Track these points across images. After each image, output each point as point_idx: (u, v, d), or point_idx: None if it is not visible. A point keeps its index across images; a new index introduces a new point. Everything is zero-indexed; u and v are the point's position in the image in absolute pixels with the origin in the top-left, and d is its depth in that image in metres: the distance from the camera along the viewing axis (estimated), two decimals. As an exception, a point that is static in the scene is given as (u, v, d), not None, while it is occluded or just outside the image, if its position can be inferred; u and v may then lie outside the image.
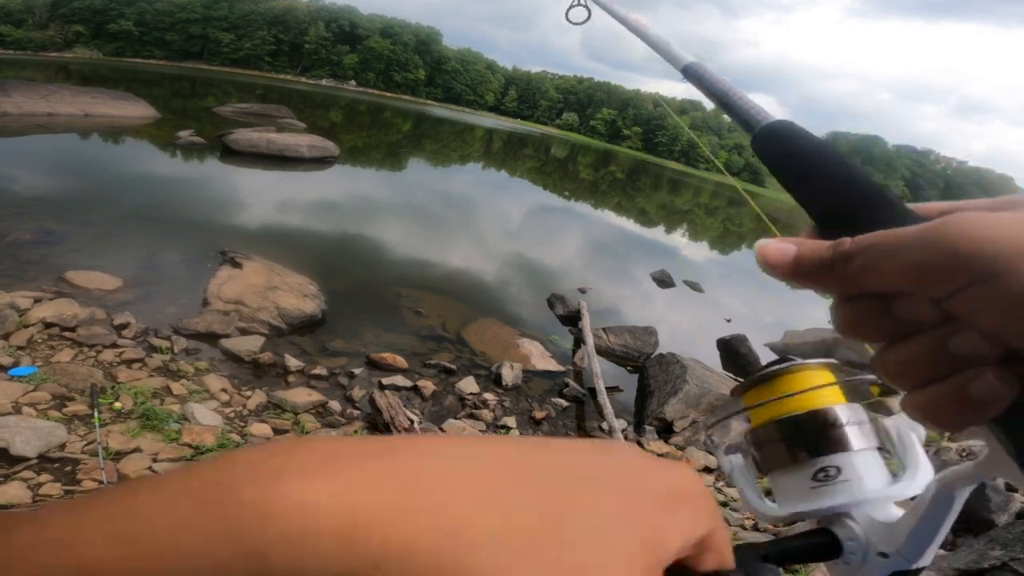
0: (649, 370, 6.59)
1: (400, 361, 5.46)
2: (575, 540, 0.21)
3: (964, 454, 5.17)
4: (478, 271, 9.33)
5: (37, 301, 5.03)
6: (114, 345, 4.69)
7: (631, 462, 0.25)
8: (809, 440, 0.40)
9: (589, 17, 0.92)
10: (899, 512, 0.38)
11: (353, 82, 69.48)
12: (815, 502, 0.40)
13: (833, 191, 0.34)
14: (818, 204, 0.34)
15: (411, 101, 68.36)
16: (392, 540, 0.19)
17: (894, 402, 0.35)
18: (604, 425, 5.28)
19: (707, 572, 0.27)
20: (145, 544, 0.19)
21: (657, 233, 20.64)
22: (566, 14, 0.92)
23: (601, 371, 5.98)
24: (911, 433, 0.40)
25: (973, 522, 3.91)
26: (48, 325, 4.69)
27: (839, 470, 0.39)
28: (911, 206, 0.32)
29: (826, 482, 0.39)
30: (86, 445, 3.37)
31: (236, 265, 6.35)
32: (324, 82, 64.52)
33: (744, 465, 0.46)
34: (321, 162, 15.13)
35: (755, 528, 3.84)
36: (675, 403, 5.68)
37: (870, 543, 0.37)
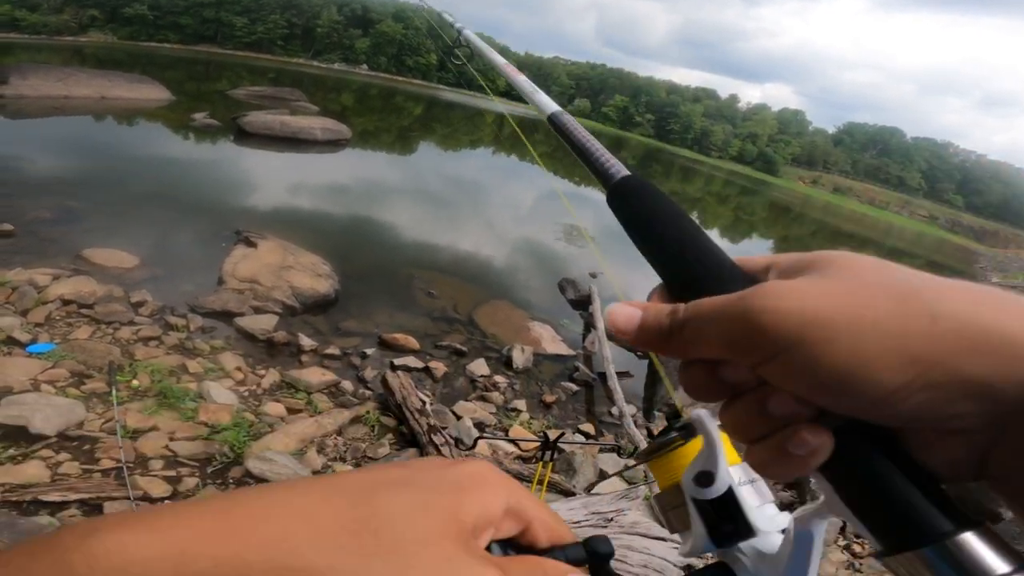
0: (659, 356, 6.58)
1: (412, 342, 5.49)
2: (388, 528, 0.25)
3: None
4: (489, 254, 9.34)
5: (56, 278, 5.10)
6: (131, 323, 4.76)
7: (427, 465, 0.30)
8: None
9: (472, 56, 0.96)
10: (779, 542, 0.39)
11: (365, 66, 69.06)
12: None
13: (675, 253, 0.34)
14: (663, 265, 0.35)
15: (422, 85, 67.97)
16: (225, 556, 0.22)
17: None
18: (614, 410, 5.28)
19: (544, 548, 0.32)
20: None
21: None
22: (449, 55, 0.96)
23: (612, 356, 5.98)
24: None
25: None
26: (66, 302, 4.76)
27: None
28: (739, 260, 0.33)
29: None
30: (104, 423, 3.42)
31: (251, 244, 6.41)
32: (336, 66, 64.22)
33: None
34: (334, 145, 15.16)
35: None
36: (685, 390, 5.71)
37: (759, 574, 0.39)
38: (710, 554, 0.43)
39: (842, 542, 3.66)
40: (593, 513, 3.01)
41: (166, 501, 2.94)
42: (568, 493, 3.61)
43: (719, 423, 0.33)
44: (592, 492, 3.65)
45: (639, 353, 7.18)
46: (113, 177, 8.87)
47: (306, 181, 11.15)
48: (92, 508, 2.76)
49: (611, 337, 7.06)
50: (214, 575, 0.21)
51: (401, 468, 0.29)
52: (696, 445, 0.41)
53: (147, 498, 2.93)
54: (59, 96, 14.03)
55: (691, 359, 0.31)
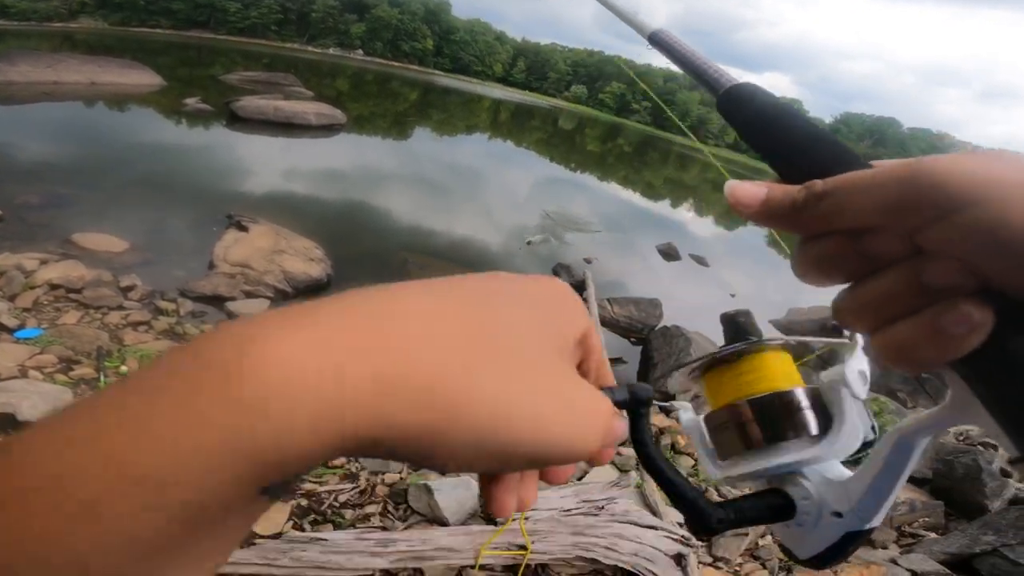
0: (653, 342, 6.57)
1: (404, 327, 5.46)
2: (511, 337, 0.25)
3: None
4: (483, 239, 9.31)
5: (44, 263, 5.04)
6: (120, 307, 4.70)
7: (524, 279, 0.31)
8: (766, 423, 0.39)
9: None
10: (847, 471, 0.38)
11: (360, 51, 68.42)
12: (768, 460, 0.38)
13: (798, 147, 0.35)
14: (783, 160, 0.35)
15: (419, 71, 67.41)
16: (384, 372, 0.21)
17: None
18: (606, 395, 5.29)
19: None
20: (154, 466, 0.18)
21: (664, 207, 20.47)
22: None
23: (605, 342, 5.97)
24: (844, 389, 0.39)
25: (967, 507, 3.93)
26: (54, 287, 4.70)
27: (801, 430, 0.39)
28: (874, 162, 0.32)
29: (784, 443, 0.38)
30: None
31: (242, 229, 6.35)
32: (331, 51, 63.55)
33: (700, 428, 0.45)
34: (328, 130, 15.04)
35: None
36: (679, 376, 5.64)
37: (824, 502, 0.37)
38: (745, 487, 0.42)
39: None
40: (584, 501, 3.00)
41: None
42: None
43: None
44: (583, 480, 3.63)
45: (633, 339, 7.19)
46: (103, 162, 8.77)
47: (299, 166, 11.06)
48: None
49: (604, 322, 7.06)
50: (372, 391, 0.20)
51: (506, 280, 0.30)
52: (767, 359, 0.41)
53: None
54: (48, 82, 13.82)
55: (824, 232, 0.30)
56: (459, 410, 0.22)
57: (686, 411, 0.47)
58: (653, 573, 2.80)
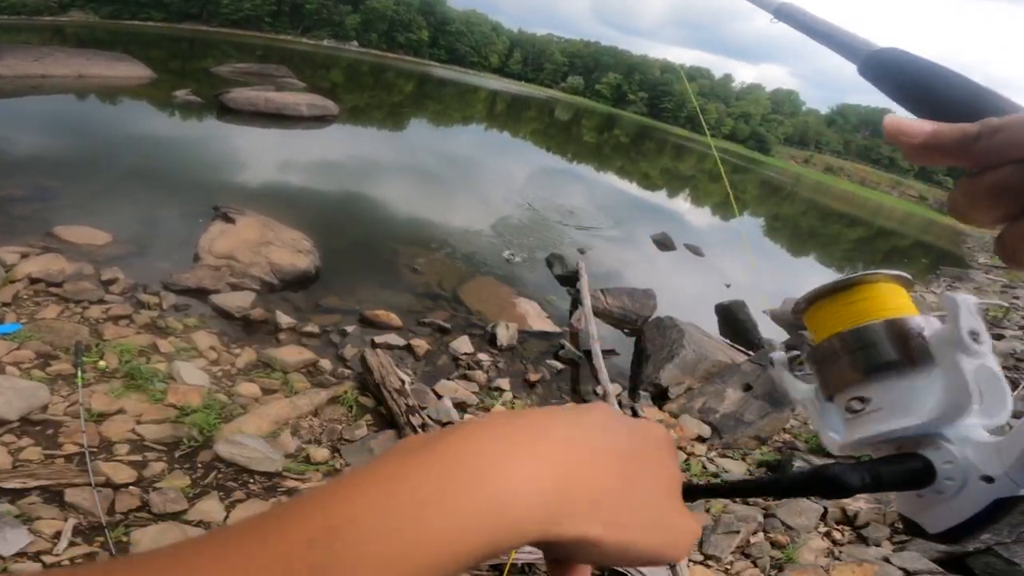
0: (646, 333, 6.48)
1: (394, 319, 5.37)
2: (649, 477, 0.33)
3: None
4: (477, 230, 9.18)
5: (24, 256, 4.92)
6: (101, 301, 4.60)
7: (645, 426, 0.36)
8: (889, 351, 0.37)
9: None
10: (990, 437, 0.35)
11: (355, 43, 67.77)
12: (902, 419, 0.36)
13: (958, 100, 0.36)
14: (943, 111, 0.37)
15: (414, 62, 66.91)
16: (574, 494, 0.29)
17: None
18: (599, 389, 5.19)
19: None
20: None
21: (659, 197, 20.35)
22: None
23: (598, 333, 5.88)
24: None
25: None
26: (34, 281, 4.60)
27: (928, 384, 0.36)
28: None
29: (913, 399, 0.36)
30: (69, 406, 3.30)
31: (229, 220, 6.23)
32: (325, 43, 62.91)
33: (814, 390, 0.44)
34: (320, 120, 14.88)
35: (744, 502, 3.78)
36: (671, 368, 5.55)
37: (970, 466, 0.34)
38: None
39: (823, 528, 3.61)
40: None
41: (131, 487, 2.83)
42: None
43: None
44: None
45: (626, 331, 7.10)
46: (89, 155, 8.63)
47: (289, 157, 10.92)
48: (53, 495, 2.67)
49: (598, 313, 6.98)
50: (557, 503, 0.28)
51: (636, 425, 0.35)
52: (882, 287, 0.40)
53: (110, 484, 2.83)
54: (36, 75, 13.62)
55: (997, 163, 0.32)
56: (614, 529, 0.29)
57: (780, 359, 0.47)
58: (641, 572, 2.72)
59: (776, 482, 0.39)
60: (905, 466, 0.35)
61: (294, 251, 5.93)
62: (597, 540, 0.29)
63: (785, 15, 0.53)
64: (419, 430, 3.57)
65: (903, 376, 0.37)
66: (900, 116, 0.36)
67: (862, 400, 0.38)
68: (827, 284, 0.41)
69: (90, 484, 2.74)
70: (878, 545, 3.44)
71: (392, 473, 0.25)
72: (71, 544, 2.44)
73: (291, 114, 13.93)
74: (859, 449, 0.40)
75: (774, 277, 11.88)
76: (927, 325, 0.37)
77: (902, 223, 38.75)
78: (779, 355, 0.47)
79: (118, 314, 4.47)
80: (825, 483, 0.35)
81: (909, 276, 0.41)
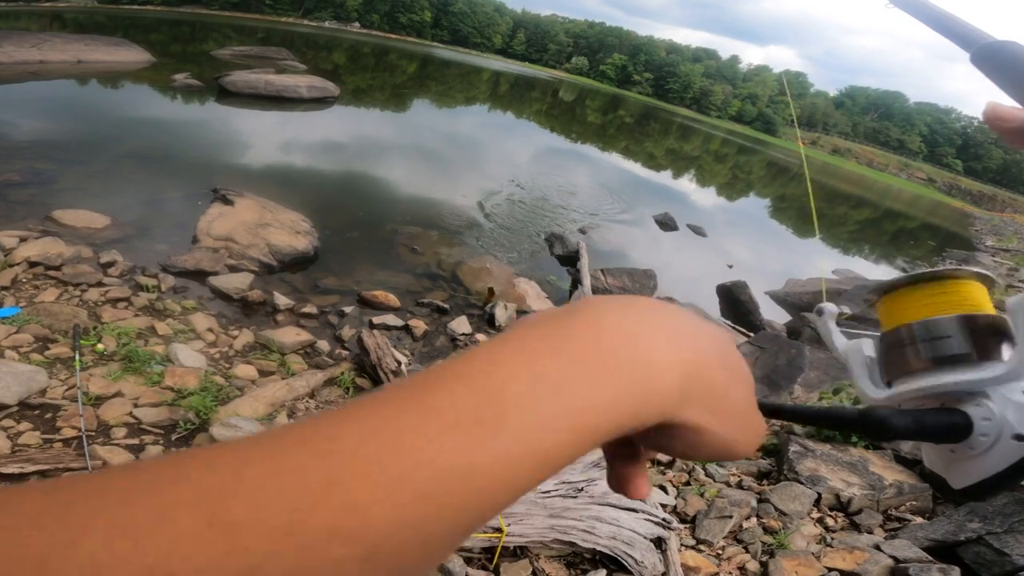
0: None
1: (392, 299, 5.35)
2: (741, 390, 0.33)
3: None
4: (477, 210, 9.13)
5: (23, 240, 4.93)
6: (100, 284, 4.60)
7: (718, 326, 0.35)
8: (961, 344, 0.39)
9: None
10: None
11: (357, 24, 67.02)
12: (949, 376, 0.38)
13: None
14: None
15: (417, 43, 66.23)
16: (697, 380, 0.29)
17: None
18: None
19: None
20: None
21: (664, 177, 20.17)
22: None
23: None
24: None
25: (951, 491, 3.85)
26: (33, 264, 4.60)
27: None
28: None
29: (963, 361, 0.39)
30: (67, 390, 3.29)
31: (227, 202, 6.21)
32: (327, 24, 62.21)
33: (859, 358, 0.45)
34: (320, 102, 14.78)
35: (739, 486, 3.79)
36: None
37: (1006, 424, 0.36)
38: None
39: (816, 515, 3.59)
40: (563, 482, 2.93)
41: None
42: None
43: None
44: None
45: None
46: (88, 139, 8.59)
47: (288, 139, 10.87)
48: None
49: (596, 293, 6.95)
50: (683, 384, 0.29)
51: (719, 327, 0.34)
52: (962, 284, 0.41)
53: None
54: (34, 61, 13.53)
55: None
56: (719, 418, 0.30)
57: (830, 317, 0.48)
58: (632, 557, 2.73)
59: (830, 414, 0.41)
60: (947, 418, 0.37)
61: (292, 232, 5.91)
62: (706, 427, 0.30)
63: (900, 1, 0.53)
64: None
65: (970, 366, 0.38)
66: (999, 103, 0.39)
67: None
68: (909, 275, 0.43)
69: (87, 468, 2.75)
70: (870, 532, 3.43)
71: (547, 332, 0.26)
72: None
73: (291, 96, 13.83)
74: (903, 402, 0.42)
75: (777, 258, 11.79)
76: (995, 321, 0.39)
77: (910, 205, 38.37)
78: (830, 307, 0.49)
79: (116, 297, 4.47)
80: (873, 424, 0.37)
81: (992, 276, 0.42)
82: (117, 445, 2.99)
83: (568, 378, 0.24)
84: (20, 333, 3.69)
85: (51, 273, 4.58)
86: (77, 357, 3.50)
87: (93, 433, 3.02)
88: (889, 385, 0.42)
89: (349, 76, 25.54)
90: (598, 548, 2.70)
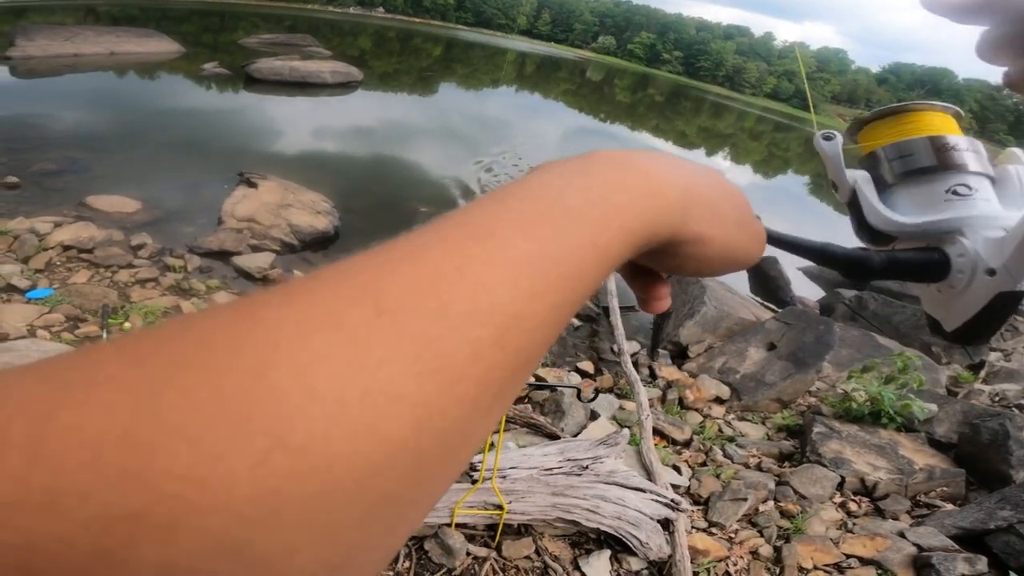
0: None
1: (410, 277, 5.39)
2: (738, 206, 0.37)
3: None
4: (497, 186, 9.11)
5: (57, 225, 5.11)
6: (130, 265, 4.74)
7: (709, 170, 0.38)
8: (923, 159, 0.43)
9: None
10: (1002, 233, 0.38)
11: (381, 8, 67.23)
12: (937, 213, 0.41)
13: None
14: None
15: (440, 26, 66.04)
16: (695, 197, 0.33)
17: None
18: (614, 347, 5.11)
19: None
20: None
21: (695, 156, 19.74)
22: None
23: (617, 289, 5.77)
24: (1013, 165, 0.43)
25: (990, 476, 3.59)
26: (66, 248, 4.76)
27: (964, 188, 0.41)
28: None
29: (951, 198, 0.41)
30: None
31: (252, 185, 6.33)
32: (352, 10, 62.54)
33: (867, 178, 0.47)
34: (344, 87, 14.89)
35: (758, 468, 3.69)
36: (691, 326, 5.38)
37: (979, 259, 0.37)
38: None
39: (838, 499, 3.45)
40: (568, 460, 2.86)
41: None
42: (554, 436, 3.42)
43: None
44: (580, 437, 3.47)
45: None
46: (120, 128, 8.84)
47: (312, 123, 10.99)
48: None
49: (620, 270, 6.85)
50: (683, 201, 0.32)
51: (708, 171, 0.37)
52: (921, 112, 0.45)
53: None
54: (68, 54, 13.92)
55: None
56: (722, 228, 0.34)
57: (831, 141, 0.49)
58: (637, 538, 2.67)
59: (821, 250, 0.44)
60: (922, 256, 0.39)
61: (313, 212, 5.98)
62: (710, 235, 0.33)
63: None
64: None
65: (934, 180, 0.42)
66: None
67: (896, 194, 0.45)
68: (883, 107, 0.47)
69: None
70: (896, 519, 3.28)
71: (571, 167, 0.30)
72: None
73: (315, 82, 13.96)
74: (908, 231, 0.43)
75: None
76: (969, 142, 0.42)
77: None
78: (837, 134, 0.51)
79: (145, 277, 4.60)
80: (853, 261, 0.40)
81: (959, 109, 0.46)
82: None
83: (609, 187, 0.27)
84: (52, 313, 3.82)
85: (83, 256, 4.74)
86: (104, 335, 3.62)
87: None
88: (882, 190, 0.45)
89: (374, 60, 25.62)
90: (602, 528, 2.64)
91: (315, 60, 16.04)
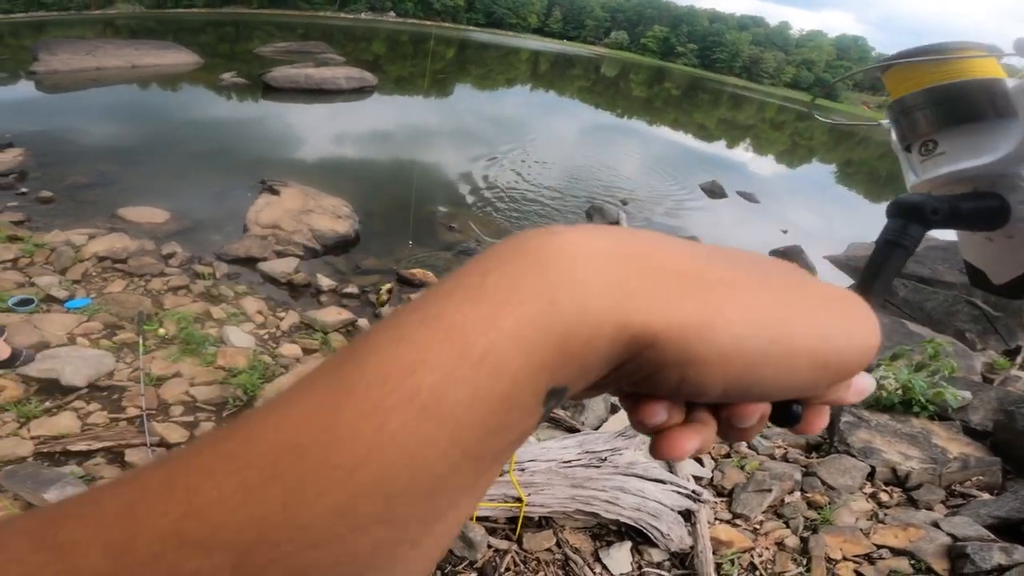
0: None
1: (430, 276, 5.45)
2: (784, 276, 0.24)
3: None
4: (515, 188, 9.13)
5: (92, 237, 5.24)
6: (162, 274, 4.86)
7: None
8: (970, 104, 0.38)
9: None
10: None
11: (392, 12, 67.65)
12: (988, 155, 0.37)
13: None
14: None
15: (452, 28, 66.21)
16: (662, 271, 0.21)
17: None
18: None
19: None
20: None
21: (714, 147, 19.51)
22: None
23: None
24: None
25: None
26: (101, 259, 4.89)
27: (1005, 131, 0.37)
28: None
29: (1008, 142, 0.37)
30: (132, 372, 3.48)
31: (274, 192, 6.45)
32: (363, 15, 63.10)
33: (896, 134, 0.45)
34: (359, 92, 15.07)
35: (784, 458, 3.61)
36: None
37: None
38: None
39: (868, 490, 3.34)
40: (586, 452, 2.81)
41: (182, 446, 3.00)
42: (573, 430, 3.40)
43: None
44: (600, 429, 3.42)
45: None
46: (146, 140, 9.06)
47: (330, 129, 11.15)
48: (115, 456, 2.82)
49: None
50: (654, 285, 0.20)
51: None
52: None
53: (164, 444, 2.98)
54: (91, 68, 14.21)
55: None
56: (729, 306, 0.20)
57: None
58: (657, 529, 2.64)
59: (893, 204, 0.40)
60: (982, 202, 0.36)
61: (334, 217, 6.08)
62: (712, 322, 0.20)
63: None
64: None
65: (981, 125, 0.38)
66: None
67: (935, 144, 0.40)
68: (918, 47, 0.42)
69: (146, 444, 2.90)
70: (930, 509, 3.17)
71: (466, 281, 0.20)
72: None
73: (330, 88, 14.15)
74: (939, 187, 0.41)
75: (840, 223, 11.24)
76: (1012, 85, 0.38)
77: None
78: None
79: (177, 285, 4.72)
80: (908, 208, 0.36)
81: (1000, 48, 0.42)
82: (174, 422, 3.16)
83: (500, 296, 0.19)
84: (91, 321, 3.94)
85: (118, 266, 4.87)
86: (141, 342, 3.70)
87: (154, 411, 3.19)
88: (908, 150, 0.42)
89: (389, 65, 25.81)
90: (622, 519, 2.61)
91: (330, 67, 16.22)
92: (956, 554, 2.64)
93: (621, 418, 3.67)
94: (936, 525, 2.89)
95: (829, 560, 2.75)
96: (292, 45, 22.04)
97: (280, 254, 5.43)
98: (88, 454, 2.79)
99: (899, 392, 3.91)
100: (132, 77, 14.59)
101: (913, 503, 3.21)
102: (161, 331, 3.97)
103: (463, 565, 2.43)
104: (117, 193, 6.63)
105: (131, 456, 2.82)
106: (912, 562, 2.69)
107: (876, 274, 0.37)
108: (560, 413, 3.51)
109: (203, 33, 27.60)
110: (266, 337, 4.23)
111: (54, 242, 5.02)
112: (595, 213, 8.09)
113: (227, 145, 9.22)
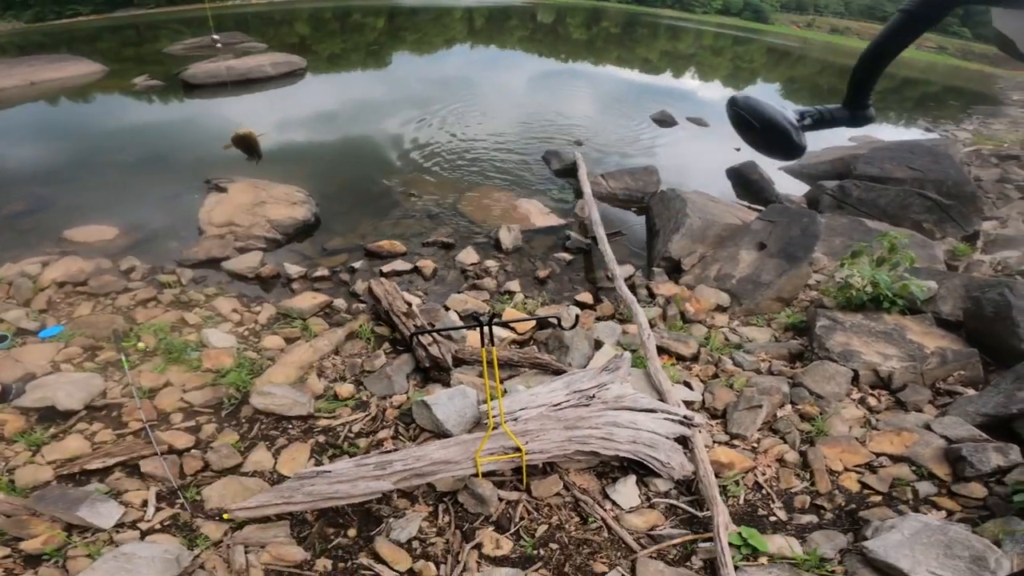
0: (652, 209, 6.40)
1: (398, 246, 5.43)
2: None
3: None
4: (469, 144, 9.05)
5: (46, 264, 5.09)
6: (126, 289, 4.77)
7: None
8: None
9: None
10: None
11: (313, -11, 64.76)
12: None
13: None
14: None
15: (378, -3, 63.56)
16: None
17: None
18: (608, 273, 5.12)
19: None
20: None
21: (661, 80, 19.40)
22: None
23: (601, 218, 5.80)
24: None
25: (1002, 353, 3.34)
26: (61, 284, 4.78)
27: None
28: None
29: None
30: (123, 388, 3.48)
31: (221, 190, 6.29)
32: (281, -3, 60.23)
33: None
34: (290, 76, 14.46)
35: (769, 371, 3.63)
36: (679, 239, 5.45)
37: None
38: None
39: (856, 395, 3.31)
40: (574, 392, 2.81)
41: (192, 451, 3.01)
42: (560, 372, 3.40)
43: None
44: (588, 368, 3.39)
45: (634, 209, 7.03)
46: (75, 157, 8.62)
47: (267, 117, 10.72)
48: (132, 468, 2.85)
49: (602, 198, 6.91)
50: None
51: None
52: None
53: (173, 450, 2.99)
54: (-15, 91, 13.24)
55: None
56: None
57: None
58: (656, 459, 2.64)
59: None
60: None
61: (289, 204, 5.98)
62: None
63: None
64: (429, 349, 3.60)
65: None
66: None
67: None
68: None
69: (156, 454, 2.92)
70: (919, 410, 3.12)
71: None
72: (157, 509, 2.61)
73: (257, 76, 13.56)
74: None
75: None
76: None
77: (926, 72, 36.21)
78: None
79: (144, 298, 4.64)
80: None
81: None
82: (177, 429, 3.18)
83: None
84: (69, 347, 3.89)
85: (80, 289, 4.75)
86: (123, 358, 3.65)
87: (156, 422, 3.20)
88: None
89: (317, 44, 24.80)
90: (620, 454, 2.61)
91: (252, 55, 15.51)
92: (954, 457, 2.62)
93: (606, 352, 3.72)
94: (928, 427, 2.89)
95: (831, 472, 2.75)
96: (204, 39, 20.93)
97: (242, 250, 5.34)
98: (106, 470, 2.83)
99: (868, 288, 3.95)
100: (35, 94, 13.65)
101: (902, 405, 3.20)
102: (141, 345, 3.94)
103: (479, 521, 2.48)
104: (59, 215, 6.36)
105: (146, 466, 2.86)
106: (913, 468, 2.69)
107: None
108: (545, 357, 3.55)
109: (100, 40, 25.87)
110: (246, 333, 4.21)
111: (8, 275, 4.87)
112: (552, 157, 8.08)
113: (160, 150, 8.84)
